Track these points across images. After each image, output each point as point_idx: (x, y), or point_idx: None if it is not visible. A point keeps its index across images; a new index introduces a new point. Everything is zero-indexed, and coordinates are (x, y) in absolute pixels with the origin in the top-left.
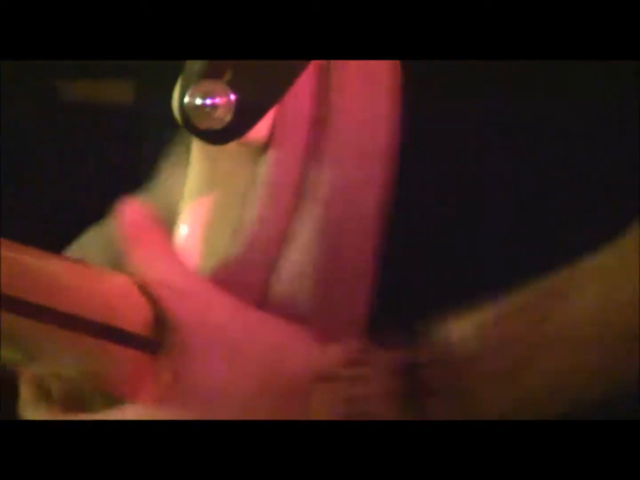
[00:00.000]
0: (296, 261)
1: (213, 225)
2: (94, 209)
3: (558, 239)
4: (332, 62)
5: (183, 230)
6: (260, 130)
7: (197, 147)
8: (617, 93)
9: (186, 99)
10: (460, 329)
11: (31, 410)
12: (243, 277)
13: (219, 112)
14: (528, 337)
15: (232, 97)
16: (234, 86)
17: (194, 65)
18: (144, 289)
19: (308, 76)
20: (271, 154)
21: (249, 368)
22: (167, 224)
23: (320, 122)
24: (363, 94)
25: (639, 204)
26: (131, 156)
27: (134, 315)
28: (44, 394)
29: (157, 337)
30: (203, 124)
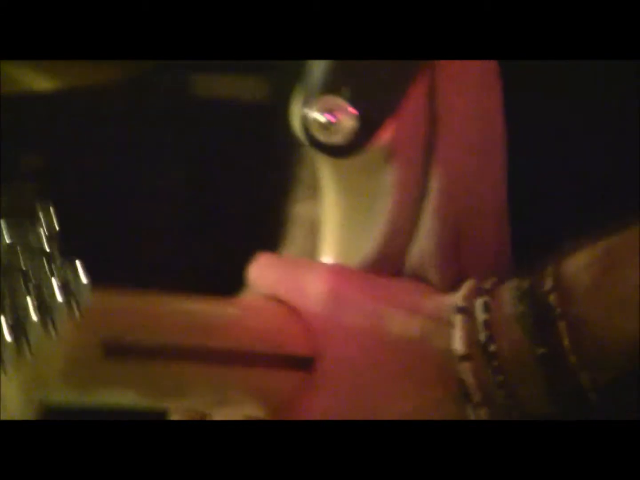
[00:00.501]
0: (423, 248)
1: (352, 231)
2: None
3: None
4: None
5: (326, 242)
6: (381, 135)
7: (323, 160)
8: None
9: (307, 114)
10: (577, 260)
11: None
12: (380, 271)
13: (342, 128)
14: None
15: (353, 111)
16: (353, 100)
17: (312, 80)
18: (291, 310)
19: (419, 76)
20: (396, 156)
21: (391, 357)
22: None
23: (433, 120)
24: (470, 90)
25: None
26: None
27: (294, 339)
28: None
29: (310, 354)
30: (326, 139)
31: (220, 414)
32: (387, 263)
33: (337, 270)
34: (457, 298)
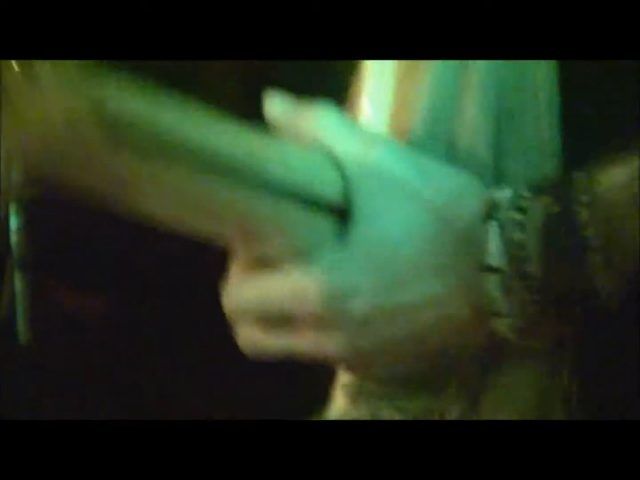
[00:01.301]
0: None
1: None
2: None
3: None
4: None
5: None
6: None
7: None
8: None
9: None
10: (612, 177)
11: None
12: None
13: None
14: None
15: None
16: None
17: None
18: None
19: None
20: None
21: (425, 215)
22: None
23: None
24: None
25: None
26: None
27: (329, 185)
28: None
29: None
30: None
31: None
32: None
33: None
34: (495, 204)
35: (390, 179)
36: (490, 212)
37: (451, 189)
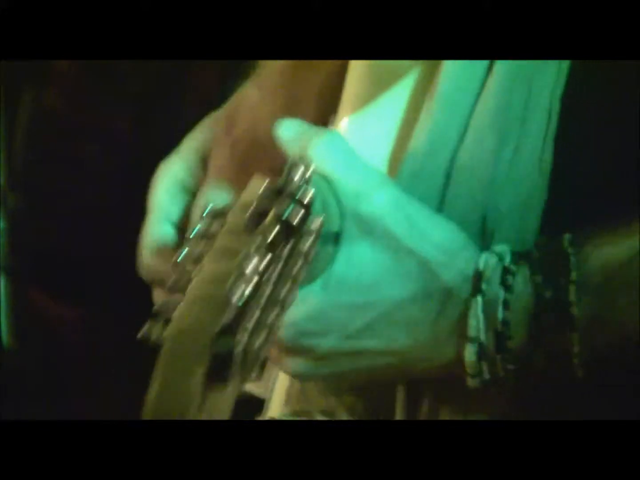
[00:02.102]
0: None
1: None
2: None
3: None
4: None
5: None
6: None
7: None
8: None
9: None
10: (605, 255)
11: None
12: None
13: None
14: None
15: None
16: None
17: None
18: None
19: None
20: None
21: (410, 268)
22: None
23: None
24: None
25: None
26: None
27: (333, 217)
28: None
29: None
30: None
31: None
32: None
33: None
34: (481, 276)
35: (381, 229)
36: (477, 284)
37: (444, 246)
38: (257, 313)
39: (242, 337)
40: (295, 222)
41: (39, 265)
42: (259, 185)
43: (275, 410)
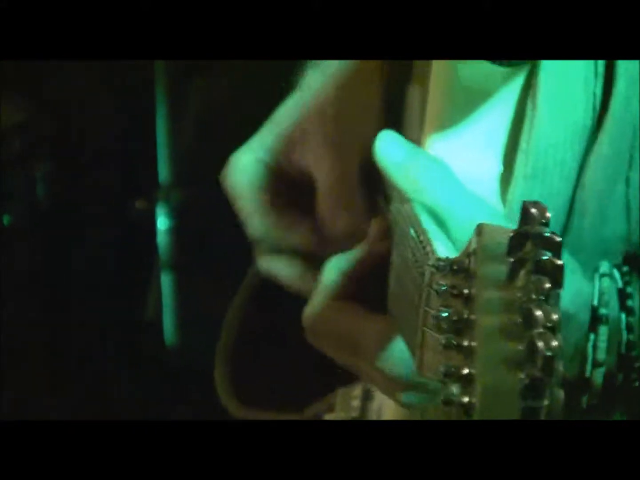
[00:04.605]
0: None
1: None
2: None
3: None
4: None
5: None
6: None
7: None
8: None
9: None
10: None
11: None
12: None
13: None
14: None
15: None
16: None
17: None
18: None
19: None
20: None
21: None
22: None
23: None
24: None
25: None
26: None
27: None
28: None
29: None
30: None
31: None
32: None
33: None
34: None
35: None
36: (597, 309)
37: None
38: (556, 364)
39: (547, 392)
40: (558, 263)
41: (205, 261)
42: (496, 234)
43: None
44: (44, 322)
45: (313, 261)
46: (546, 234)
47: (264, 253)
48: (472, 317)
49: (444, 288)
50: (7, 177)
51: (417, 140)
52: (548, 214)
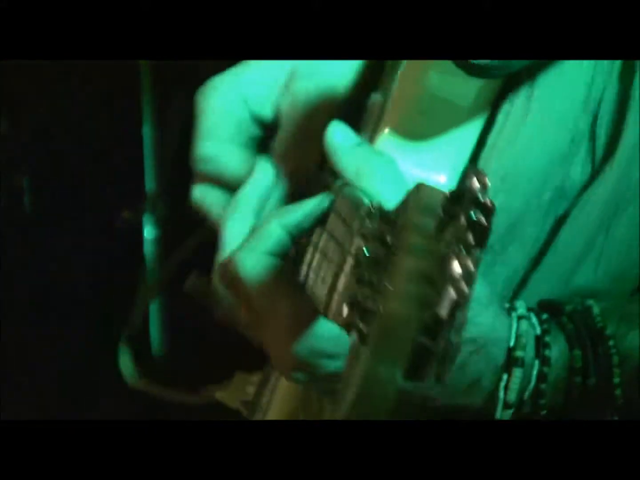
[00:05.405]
0: None
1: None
2: None
3: None
4: None
5: None
6: None
7: None
8: None
9: None
10: None
11: None
12: None
13: None
14: None
15: None
16: None
17: None
18: None
19: None
20: None
21: None
22: None
23: None
24: None
25: None
26: None
27: None
28: None
29: None
30: None
31: None
32: None
33: None
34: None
35: None
36: (514, 352)
37: (477, 299)
38: (460, 313)
39: (445, 335)
40: (485, 223)
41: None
42: (432, 192)
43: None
44: (29, 331)
45: None
46: (481, 199)
47: (203, 180)
48: (392, 259)
49: (369, 228)
50: None
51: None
52: (488, 182)
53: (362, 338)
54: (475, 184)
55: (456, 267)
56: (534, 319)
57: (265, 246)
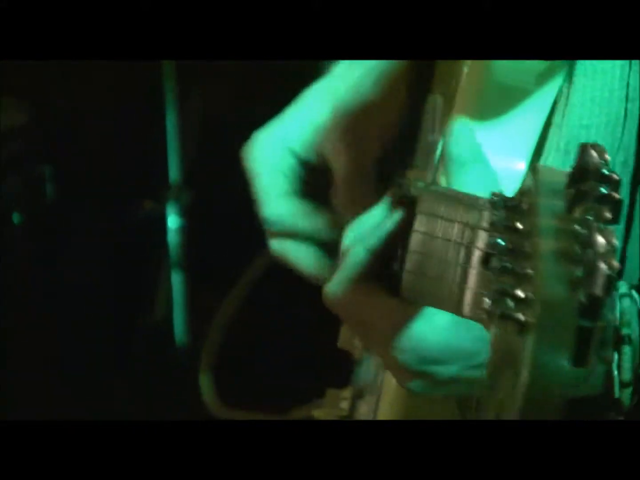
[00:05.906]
0: None
1: None
2: None
3: None
4: None
5: None
6: None
7: None
8: None
9: None
10: None
11: None
12: None
13: None
14: None
15: None
16: None
17: None
18: None
19: None
20: None
21: None
22: None
23: None
24: None
25: None
26: None
27: None
28: None
29: None
30: None
31: None
32: None
33: None
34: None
35: None
36: (619, 330)
37: None
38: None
39: (603, 315)
40: (617, 196)
41: (215, 260)
42: (553, 173)
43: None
44: (52, 320)
45: (327, 249)
46: (605, 172)
47: (277, 236)
48: (529, 245)
49: (497, 217)
50: (15, 177)
51: (430, 145)
52: (607, 155)
53: (524, 326)
54: (597, 158)
55: (602, 242)
56: (636, 295)
57: (354, 273)
